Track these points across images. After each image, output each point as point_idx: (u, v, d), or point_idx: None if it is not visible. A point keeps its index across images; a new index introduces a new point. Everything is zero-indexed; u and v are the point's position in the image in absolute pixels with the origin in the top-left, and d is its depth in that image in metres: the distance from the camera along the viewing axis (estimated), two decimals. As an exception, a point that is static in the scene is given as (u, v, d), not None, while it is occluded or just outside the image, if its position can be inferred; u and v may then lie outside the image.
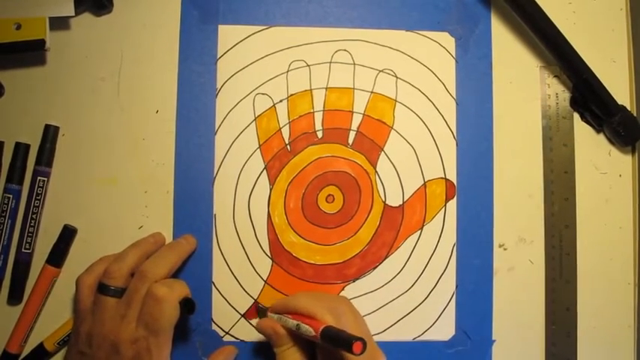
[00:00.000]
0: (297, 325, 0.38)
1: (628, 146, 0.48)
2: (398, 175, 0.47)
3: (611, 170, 0.48)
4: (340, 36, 0.47)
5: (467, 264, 0.46)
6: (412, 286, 0.46)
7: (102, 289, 0.40)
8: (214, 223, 0.46)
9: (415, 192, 0.47)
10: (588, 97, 0.47)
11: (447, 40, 0.48)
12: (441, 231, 0.46)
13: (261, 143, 0.46)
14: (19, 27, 0.43)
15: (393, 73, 0.47)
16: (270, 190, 0.46)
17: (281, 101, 0.47)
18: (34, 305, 0.44)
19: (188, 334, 0.45)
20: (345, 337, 0.35)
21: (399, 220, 0.46)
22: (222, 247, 0.45)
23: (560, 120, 0.48)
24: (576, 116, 0.48)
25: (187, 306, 0.40)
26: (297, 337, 0.40)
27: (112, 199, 0.45)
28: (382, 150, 0.47)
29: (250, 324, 0.45)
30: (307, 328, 0.37)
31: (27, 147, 0.45)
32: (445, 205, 0.47)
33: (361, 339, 0.34)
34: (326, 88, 0.47)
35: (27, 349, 0.45)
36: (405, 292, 0.46)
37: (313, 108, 0.47)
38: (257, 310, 0.45)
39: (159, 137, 0.46)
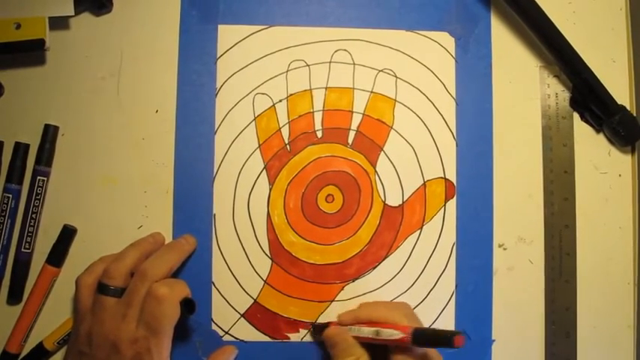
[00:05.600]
0: (377, 331, 0.39)
1: (628, 146, 0.48)
2: (398, 175, 0.47)
3: (610, 170, 0.48)
4: (340, 36, 0.47)
5: (466, 264, 0.46)
6: (412, 285, 0.46)
7: (101, 288, 0.40)
8: (214, 222, 0.46)
9: (415, 192, 0.47)
10: (588, 97, 0.47)
11: (447, 40, 0.48)
12: (441, 231, 0.46)
13: (260, 143, 0.46)
14: (18, 27, 0.43)
15: (392, 73, 0.47)
16: (270, 189, 0.46)
17: (281, 101, 0.47)
18: (34, 305, 0.44)
19: (188, 334, 0.45)
20: (443, 333, 0.36)
21: (399, 220, 0.46)
22: (221, 247, 0.45)
23: (559, 120, 0.48)
24: (576, 116, 0.48)
25: (188, 306, 0.40)
26: (365, 347, 0.40)
27: (111, 199, 0.45)
28: (382, 150, 0.47)
29: (250, 324, 0.45)
30: (391, 332, 0.38)
31: (27, 147, 0.45)
32: (445, 204, 0.47)
33: (459, 332, 0.35)
34: (326, 88, 0.47)
35: (27, 349, 0.45)
36: (404, 292, 0.46)
37: (313, 108, 0.47)
38: (313, 329, 0.45)
39: (159, 137, 0.46)
